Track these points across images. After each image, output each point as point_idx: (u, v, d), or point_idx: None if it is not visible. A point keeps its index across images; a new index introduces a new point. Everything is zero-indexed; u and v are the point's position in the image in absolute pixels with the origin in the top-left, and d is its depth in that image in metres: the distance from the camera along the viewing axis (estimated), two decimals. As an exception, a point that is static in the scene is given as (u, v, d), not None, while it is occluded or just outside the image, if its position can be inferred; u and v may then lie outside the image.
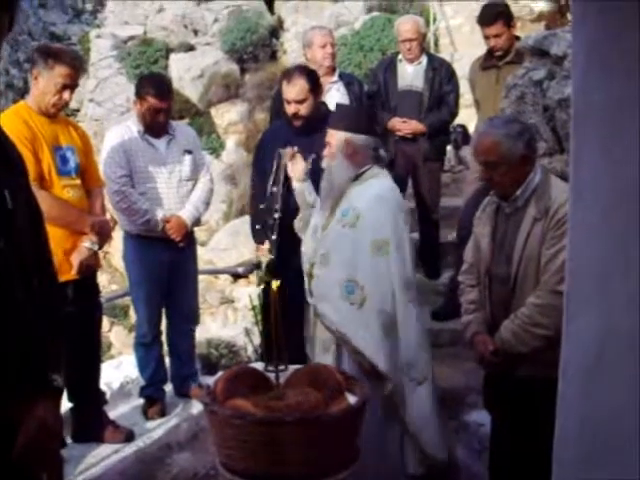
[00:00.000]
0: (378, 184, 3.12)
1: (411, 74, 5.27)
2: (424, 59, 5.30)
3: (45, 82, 3.44)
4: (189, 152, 4.14)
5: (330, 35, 4.93)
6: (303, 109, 3.88)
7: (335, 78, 4.90)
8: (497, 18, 4.84)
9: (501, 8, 4.94)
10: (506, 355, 2.81)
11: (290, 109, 3.92)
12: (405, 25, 5.27)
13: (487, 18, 4.91)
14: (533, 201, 2.78)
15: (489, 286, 2.91)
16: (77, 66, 3.51)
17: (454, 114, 5.45)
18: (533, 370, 2.70)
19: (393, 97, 5.29)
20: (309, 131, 3.91)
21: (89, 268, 3.61)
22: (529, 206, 2.79)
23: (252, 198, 4.41)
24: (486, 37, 4.97)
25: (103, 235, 3.65)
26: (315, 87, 3.93)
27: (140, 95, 4.00)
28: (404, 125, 5.20)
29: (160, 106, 3.97)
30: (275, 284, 2.62)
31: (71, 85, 3.49)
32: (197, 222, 4.29)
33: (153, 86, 3.99)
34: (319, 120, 3.90)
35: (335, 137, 3.16)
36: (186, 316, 4.29)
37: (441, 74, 5.24)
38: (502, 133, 2.78)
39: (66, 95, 3.48)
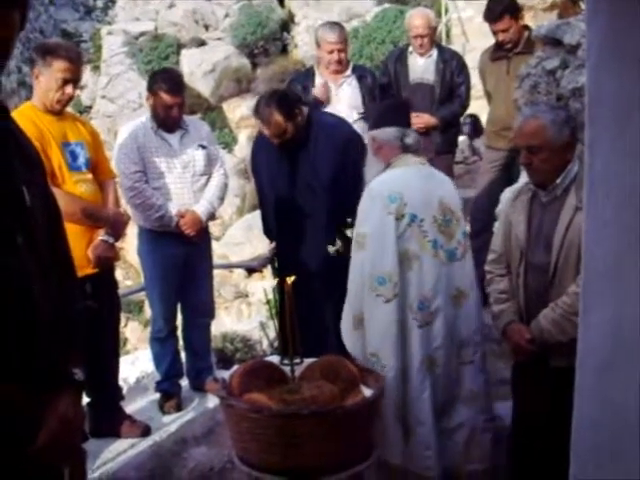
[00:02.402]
0: (382, 176, 3.11)
1: (422, 66, 5.25)
2: (434, 51, 5.27)
3: (46, 79, 3.45)
4: (203, 147, 4.15)
5: (339, 39, 4.78)
6: (287, 135, 3.86)
7: (348, 72, 4.89)
8: (503, 13, 4.83)
9: (506, 2, 4.91)
10: (543, 344, 2.79)
11: (275, 141, 3.91)
12: (416, 20, 5.22)
13: (493, 14, 4.89)
14: (573, 190, 2.75)
15: (525, 275, 2.89)
16: (74, 59, 3.47)
17: (465, 106, 5.43)
18: (568, 360, 2.68)
19: (404, 90, 5.26)
20: (299, 145, 3.91)
21: (107, 261, 3.62)
22: (569, 195, 2.76)
23: (261, 205, 4.41)
24: (494, 32, 4.96)
25: (118, 227, 3.66)
26: (290, 113, 3.83)
27: (153, 90, 4.01)
28: (417, 119, 5.17)
29: (173, 101, 3.98)
30: (290, 279, 2.63)
31: (72, 79, 3.48)
32: (212, 217, 4.29)
33: (165, 81, 4.00)
34: (307, 127, 3.90)
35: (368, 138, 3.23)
36: (201, 311, 4.30)
37: (452, 66, 5.22)
38: (549, 118, 2.75)
39: (69, 90, 3.48)
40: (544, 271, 2.81)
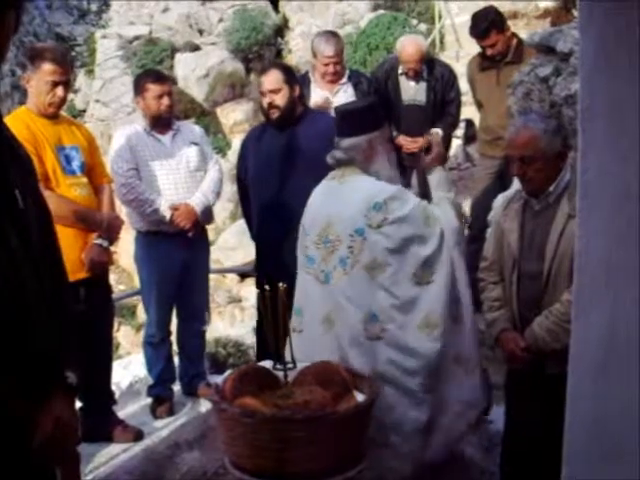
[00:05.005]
0: None
1: (413, 89, 5.21)
2: (424, 71, 5.22)
3: (36, 83, 3.46)
4: (195, 144, 4.17)
5: (335, 52, 4.75)
6: (278, 99, 3.84)
7: (344, 80, 4.88)
8: (489, 30, 4.80)
9: (491, 17, 4.86)
10: (537, 352, 2.80)
11: (265, 100, 3.90)
12: (407, 50, 5.08)
13: (479, 32, 4.87)
14: (565, 198, 2.76)
15: (517, 283, 2.89)
16: (60, 61, 3.48)
17: (455, 125, 5.45)
18: (563, 367, 2.68)
19: (398, 110, 5.23)
20: (284, 126, 3.90)
21: (101, 265, 3.61)
22: (561, 203, 2.77)
23: (245, 213, 4.31)
24: (482, 47, 4.95)
25: (112, 231, 3.65)
26: (291, 79, 3.89)
27: (140, 87, 4.06)
28: (412, 144, 5.18)
29: (161, 90, 4.03)
30: (282, 285, 2.63)
31: (61, 81, 3.48)
32: (209, 215, 4.26)
33: (149, 75, 4.19)
34: (297, 117, 3.90)
35: None
36: (197, 316, 4.29)
37: (443, 81, 5.18)
38: (540, 128, 2.76)
39: (59, 92, 3.48)
40: (537, 279, 2.81)
